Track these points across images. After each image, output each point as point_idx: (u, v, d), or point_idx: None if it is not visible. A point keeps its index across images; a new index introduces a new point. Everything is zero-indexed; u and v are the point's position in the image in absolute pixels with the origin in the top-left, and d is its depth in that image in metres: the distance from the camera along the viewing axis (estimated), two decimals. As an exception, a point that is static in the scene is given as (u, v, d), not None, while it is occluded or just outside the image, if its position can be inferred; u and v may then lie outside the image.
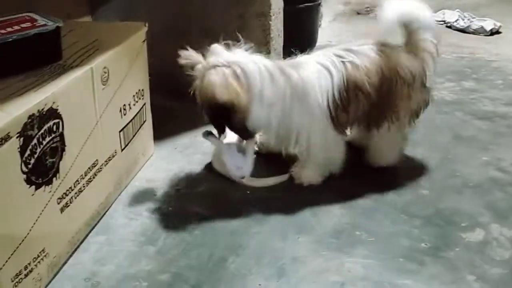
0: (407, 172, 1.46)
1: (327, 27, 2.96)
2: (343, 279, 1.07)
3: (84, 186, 1.12)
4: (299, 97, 1.26)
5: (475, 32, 2.83)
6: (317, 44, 2.36)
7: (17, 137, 0.87)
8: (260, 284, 1.05)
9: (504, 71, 2.26)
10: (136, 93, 1.34)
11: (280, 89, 1.25)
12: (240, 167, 1.37)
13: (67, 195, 1.05)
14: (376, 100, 1.30)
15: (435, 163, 1.50)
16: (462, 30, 2.88)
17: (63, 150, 1.02)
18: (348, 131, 1.39)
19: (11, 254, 0.90)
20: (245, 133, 1.32)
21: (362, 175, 1.44)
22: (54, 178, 1.00)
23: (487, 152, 1.56)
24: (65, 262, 1.10)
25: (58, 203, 1.03)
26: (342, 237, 1.19)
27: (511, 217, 1.26)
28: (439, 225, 1.23)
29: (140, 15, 1.78)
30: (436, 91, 1.99)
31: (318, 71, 1.28)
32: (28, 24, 1.08)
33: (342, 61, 1.29)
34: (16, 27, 1.06)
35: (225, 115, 1.22)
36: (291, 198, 1.34)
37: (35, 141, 0.93)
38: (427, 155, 1.55)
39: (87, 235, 1.18)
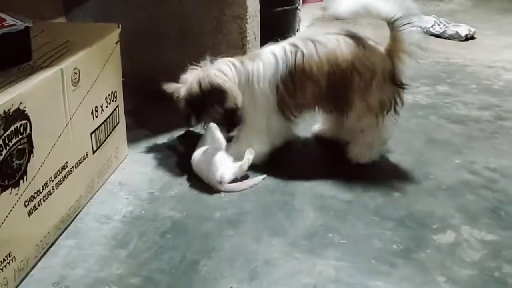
0: (381, 175, 1.47)
1: (305, 32, 2.97)
2: (315, 281, 1.07)
3: (53, 189, 1.10)
4: (249, 85, 1.41)
5: (451, 37, 2.88)
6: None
7: (-19, 138, 0.86)
8: (232, 287, 1.05)
9: (478, 76, 2.29)
10: (109, 94, 1.33)
11: (240, 78, 1.41)
12: (222, 172, 1.36)
13: (35, 198, 1.03)
14: (328, 89, 1.38)
15: (409, 166, 1.52)
16: (438, 35, 2.93)
17: (30, 152, 1.00)
18: (298, 116, 1.48)
19: (-25, 258, 0.88)
20: (234, 119, 1.44)
21: (336, 177, 1.44)
22: (21, 181, 0.98)
23: (460, 155, 1.58)
24: (34, 266, 1.08)
25: (26, 206, 1.01)
26: (315, 240, 1.19)
27: (482, 219, 1.28)
28: (411, 227, 1.24)
29: (115, 16, 1.78)
30: (411, 95, 2.03)
31: (267, 61, 1.41)
32: (-4, 24, 1.06)
33: (296, 51, 1.38)
34: (-17, 27, 1.04)
35: (222, 100, 1.39)
36: (265, 201, 1.34)
37: (0, 142, 0.91)
38: (401, 158, 1.56)
39: (56, 239, 1.16)
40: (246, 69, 1.42)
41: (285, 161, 1.54)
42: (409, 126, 1.78)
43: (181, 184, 1.40)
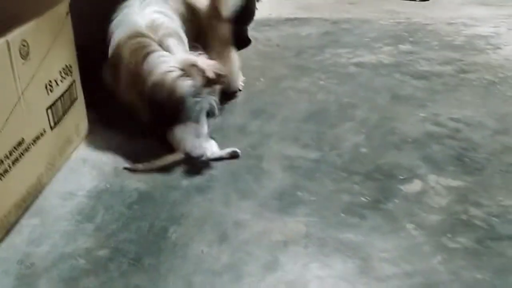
0: (346, 132, 1.47)
1: (267, 1, 2.94)
2: (286, 238, 1.06)
3: (9, 166, 1.06)
4: None
5: (412, -2, 2.89)
6: (257, 17, 2.33)
7: None
8: (202, 251, 1.03)
9: (439, 33, 2.31)
10: (63, 68, 1.28)
11: None
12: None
13: (-10, 175, 0.99)
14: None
15: (374, 122, 1.52)
16: (399, -3, 2.93)
17: (-19, 127, 0.96)
18: None
19: None
20: None
21: (301, 138, 1.44)
22: (-27, 158, 0.94)
23: (424, 109, 1.60)
24: (-3, 247, 1.05)
25: (-19, 184, 0.97)
26: (284, 199, 1.19)
27: (447, 167, 1.29)
28: (378, 179, 1.25)
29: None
30: (374, 55, 2.03)
31: None
32: None
33: None
34: None
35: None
36: (233, 166, 1.32)
37: None
38: (366, 116, 1.56)
39: (19, 218, 1.13)
40: None
41: (252, 129, 1.52)
42: (373, 84, 1.78)
43: (147, 156, 1.37)
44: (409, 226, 1.09)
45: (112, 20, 1.43)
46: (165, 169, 1.31)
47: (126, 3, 1.45)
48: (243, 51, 2.16)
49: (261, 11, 2.61)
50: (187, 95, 1.31)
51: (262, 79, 1.86)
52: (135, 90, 1.36)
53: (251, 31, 2.32)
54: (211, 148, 1.35)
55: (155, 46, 1.36)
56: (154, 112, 1.35)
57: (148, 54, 1.34)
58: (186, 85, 1.30)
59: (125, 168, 1.30)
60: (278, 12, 2.73)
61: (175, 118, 1.34)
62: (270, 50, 2.19)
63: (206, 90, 1.34)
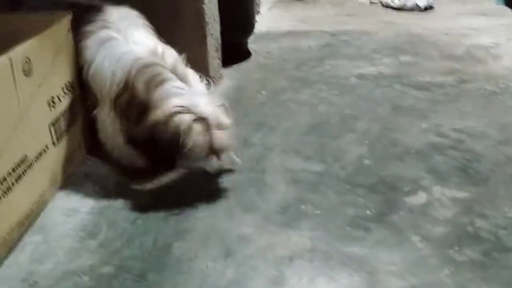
0: (349, 144, 1.47)
1: (266, 14, 2.96)
2: (291, 252, 1.05)
3: (13, 184, 1.05)
4: None
5: (410, 9, 2.90)
6: (257, 30, 2.35)
7: None
8: (207, 266, 1.03)
9: (439, 44, 2.32)
10: (65, 85, 1.29)
11: None
12: None
13: (-7, 193, 0.99)
14: None
15: (376, 134, 1.52)
16: (398, 9, 2.95)
17: (-16, 145, 0.96)
18: None
19: None
20: None
21: (304, 150, 1.43)
22: (-23, 175, 0.94)
23: (426, 120, 1.59)
24: (0, 265, 1.04)
25: (-16, 202, 0.96)
26: (288, 212, 1.18)
27: (451, 178, 1.29)
28: (382, 192, 1.24)
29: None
30: (374, 67, 2.04)
31: None
32: None
33: None
34: None
35: None
36: (236, 180, 1.32)
37: (-51, 135, 0.86)
38: (368, 127, 1.56)
39: (22, 236, 1.12)
40: None
41: (254, 141, 1.52)
42: (374, 96, 1.78)
43: (150, 172, 1.37)
44: (415, 238, 1.08)
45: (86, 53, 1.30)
46: (169, 184, 1.31)
47: (94, 32, 1.31)
48: (243, 64, 2.17)
49: (261, 24, 2.63)
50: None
51: (263, 92, 1.86)
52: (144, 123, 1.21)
53: (251, 44, 2.33)
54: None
55: (169, 74, 1.23)
56: (153, 151, 1.22)
57: (161, 83, 1.22)
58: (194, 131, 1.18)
59: (134, 188, 1.28)
60: (278, 25, 2.74)
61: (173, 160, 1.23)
62: (270, 62, 2.19)
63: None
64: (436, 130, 1.52)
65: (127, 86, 1.23)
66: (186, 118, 1.17)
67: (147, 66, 1.23)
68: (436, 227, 1.11)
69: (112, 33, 1.31)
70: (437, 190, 1.24)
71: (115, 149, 1.36)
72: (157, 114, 1.18)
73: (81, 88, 1.37)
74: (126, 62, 1.25)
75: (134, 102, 1.22)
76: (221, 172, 1.33)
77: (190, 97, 1.21)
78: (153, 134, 1.18)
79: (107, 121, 1.32)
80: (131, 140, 1.26)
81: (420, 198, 1.22)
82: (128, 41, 1.30)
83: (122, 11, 1.40)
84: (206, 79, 1.32)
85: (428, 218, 1.14)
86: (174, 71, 1.25)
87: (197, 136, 1.17)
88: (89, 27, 1.32)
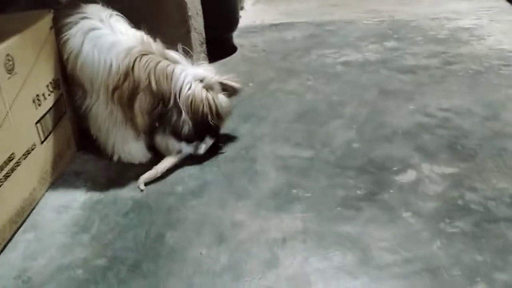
0: (337, 130, 1.47)
1: (250, 9, 2.96)
2: (284, 235, 1.06)
3: (1, 181, 1.05)
4: None
5: (393, -3, 2.91)
6: (241, 24, 2.35)
7: None
8: (201, 253, 1.03)
9: (423, 28, 2.33)
10: (50, 83, 1.28)
11: None
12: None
13: (-18, 191, 0.98)
14: None
15: (364, 117, 1.53)
16: (381, -3, 2.96)
17: (-31, 143, 0.95)
18: None
19: None
20: None
21: (293, 138, 1.44)
22: (-36, 174, 0.93)
23: (413, 101, 1.60)
24: (-8, 264, 1.03)
25: (-27, 200, 0.96)
26: (279, 197, 1.18)
27: (440, 155, 1.30)
28: (372, 172, 1.25)
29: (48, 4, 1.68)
30: (360, 53, 2.05)
31: None
32: None
33: None
34: None
35: None
36: (227, 169, 1.32)
37: None
38: (356, 112, 1.57)
39: (13, 234, 1.11)
40: None
41: (243, 132, 1.52)
42: (361, 81, 1.79)
43: (139, 165, 1.37)
44: (406, 214, 1.09)
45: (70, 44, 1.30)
46: (159, 176, 1.31)
47: (76, 23, 1.32)
48: (230, 58, 2.17)
49: (245, 18, 2.63)
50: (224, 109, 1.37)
51: (250, 84, 1.86)
52: (157, 110, 1.29)
53: (236, 38, 2.34)
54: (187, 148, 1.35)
55: (165, 60, 1.30)
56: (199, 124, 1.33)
57: (167, 70, 1.28)
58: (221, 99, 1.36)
59: (142, 187, 1.27)
60: (262, 19, 2.75)
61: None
62: (257, 55, 2.19)
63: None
64: (423, 111, 1.53)
65: (127, 75, 1.25)
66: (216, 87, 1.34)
67: (143, 54, 1.28)
68: (427, 203, 1.12)
69: (95, 22, 1.31)
70: (426, 167, 1.25)
71: (115, 144, 1.36)
72: (191, 94, 1.30)
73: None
74: (119, 51, 1.26)
75: (143, 93, 1.26)
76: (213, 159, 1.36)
77: (192, 72, 1.32)
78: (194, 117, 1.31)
79: (103, 115, 1.32)
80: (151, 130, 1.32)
81: (409, 175, 1.22)
82: (114, 31, 1.31)
83: (97, 6, 1.40)
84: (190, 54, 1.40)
85: (418, 194, 1.15)
86: (164, 56, 1.31)
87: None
88: (69, 19, 1.32)
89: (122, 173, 1.33)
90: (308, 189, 1.20)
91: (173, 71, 1.29)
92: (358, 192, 1.18)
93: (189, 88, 1.30)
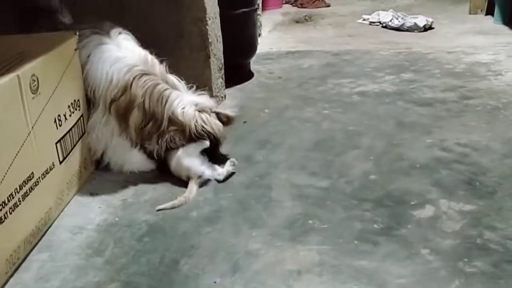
0: (354, 160, 1.47)
1: (267, 36, 3.00)
2: (299, 267, 1.04)
3: (20, 201, 1.05)
4: None
5: (409, 29, 2.94)
6: (258, 51, 2.37)
7: None
8: (215, 282, 1.02)
9: (440, 62, 2.34)
10: (72, 103, 1.29)
11: None
12: (204, 168, 1.37)
13: (0, 210, 0.98)
14: None
15: (381, 149, 1.52)
16: (397, 29, 2.98)
17: (-9, 161, 0.96)
18: None
19: None
20: None
21: (309, 166, 1.43)
22: (-16, 192, 0.94)
23: (431, 135, 1.60)
24: (5, 283, 1.03)
25: (-9, 219, 0.96)
26: (295, 227, 1.17)
27: (458, 191, 1.28)
28: (389, 206, 1.24)
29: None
30: (377, 84, 2.05)
31: None
32: None
33: None
34: None
35: None
36: (241, 196, 1.31)
37: (-43, 151, 0.86)
38: (373, 143, 1.56)
39: (28, 254, 1.11)
40: None
41: (259, 158, 1.52)
42: (377, 112, 1.79)
43: (154, 188, 1.37)
44: (424, 251, 1.07)
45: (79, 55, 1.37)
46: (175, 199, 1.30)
47: (86, 36, 1.40)
48: (246, 84, 2.19)
49: (262, 45, 2.66)
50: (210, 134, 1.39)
51: (266, 110, 1.87)
52: (151, 128, 1.38)
53: (253, 65, 2.36)
54: (217, 171, 1.38)
55: (164, 84, 1.39)
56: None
57: (163, 93, 1.37)
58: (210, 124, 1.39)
59: (160, 209, 1.27)
60: (279, 46, 2.77)
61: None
62: (273, 82, 2.21)
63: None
64: (441, 145, 1.53)
65: (125, 90, 1.35)
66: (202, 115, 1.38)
67: (143, 74, 1.37)
68: (445, 240, 1.10)
69: (104, 38, 1.41)
70: (444, 203, 1.24)
71: (112, 152, 1.43)
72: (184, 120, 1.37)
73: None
74: (121, 66, 1.36)
75: (137, 108, 1.35)
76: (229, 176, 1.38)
77: (188, 99, 1.39)
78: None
79: (100, 124, 1.39)
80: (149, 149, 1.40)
81: (427, 211, 1.21)
82: (120, 47, 1.40)
83: (108, 23, 1.47)
84: (192, 84, 1.48)
85: (436, 231, 1.14)
86: (164, 79, 1.40)
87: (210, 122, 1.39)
88: (80, 32, 1.38)
89: (138, 196, 1.33)
90: (324, 220, 1.19)
91: (169, 95, 1.38)
92: (375, 226, 1.16)
93: (182, 109, 1.37)
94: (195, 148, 1.38)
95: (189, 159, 1.36)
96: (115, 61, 1.36)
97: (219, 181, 1.37)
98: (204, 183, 1.36)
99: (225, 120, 1.43)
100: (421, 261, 1.04)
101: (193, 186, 1.33)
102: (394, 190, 1.30)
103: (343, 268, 1.03)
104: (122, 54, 1.38)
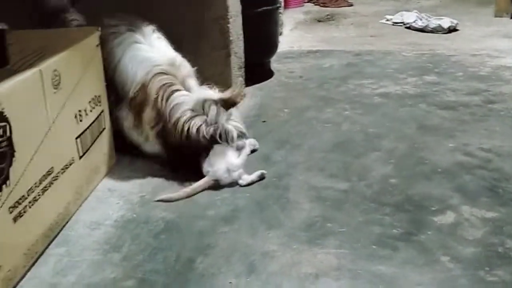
0: (374, 163, 1.45)
1: (289, 35, 2.98)
2: (316, 270, 1.03)
3: (39, 195, 1.06)
4: None
5: (433, 30, 2.89)
6: (279, 50, 2.35)
7: (-42, 140, 0.82)
8: (230, 282, 1.01)
9: (463, 64, 2.30)
10: (92, 99, 1.30)
11: None
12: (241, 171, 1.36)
13: (20, 203, 0.99)
14: None
15: (402, 152, 1.50)
16: (421, 30, 2.94)
17: (12, 155, 0.96)
18: None
19: (-41, 267, 0.84)
20: None
21: (328, 168, 1.42)
22: (4, 185, 0.94)
23: (453, 139, 1.57)
24: (23, 277, 1.03)
25: (10, 212, 0.97)
26: (312, 230, 1.16)
27: (480, 198, 1.25)
28: (409, 211, 1.22)
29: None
30: (399, 86, 2.02)
31: None
32: (-31, 30, 1.03)
33: None
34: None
35: None
36: (259, 196, 1.30)
37: (-21, 144, 0.87)
38: (393, 146, 1.54)
39: (45, 248, 1.12)
40: None
41: (277, 159, 1.51)
42: (399, 115, 1.77)
43: (172, 186, 1.37)
44: (444, 258, 1.05)
45: (114, 52, 1.43)
46: (191, 198, 1.30)
47: (122, 34, 1.45)
48: (266, 82, 2.17)
49: (283, 44, 2.64)
50: (199, 134, 1.35)
51: (285, 110, 1.86)
52: (159, 126, 1.41)
53: (273, 63, 2.34)
54: (242, 176, 1.35)
55: (178, 85, 1.41)
56: (172, 151, 1.41)
57: (172, 92, 1.39)
58: (195, 124, 1.35)
59: (159, 200, 1.28)
60: (300, 45, 2.75)
61: (191, 156, 1.38)
62: (293, 81, 2.19)
63: (224, 116, 1.38)
64: (464, 150, 1.50)
65: (142, 88, 1.40)
66: (188, 114, 1.36)
67: (161, 73, 1.39)
68: (466, 248, 1.08)
69: (138, 36, 1.45)
70: (465, 209, 1.21)
71: (135, 141, 1.48)
72: (171, 120, 1.37)
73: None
74: (146, 66, 1.40)
75: (150, 106, 1.38)
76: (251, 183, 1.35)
77: (191, 98, 1.39)
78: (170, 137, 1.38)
79: (123, 115, 1.45)
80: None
81: (448, 217, 1.19)
82: (152, 47, 1.44)
83: (142, 21, 1.50)
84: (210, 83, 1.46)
85: (457, 238, 1.11)
86: (183, 83, 1.42)
87: (205, 111, 1.37)
88: (116, 29, 1.44)
89: (155, 193, 1.33)
90: (342, 223, 1.18)
91: (172, 94, 1.39)
92: (395, 231, 1.14)
93: (180, 114, 1.37)
94: (223, 150, 1.36)
95: (214, 159, 1.35)
96: (143, 60, 1.41)
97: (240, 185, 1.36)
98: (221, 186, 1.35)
99: (232, 102, 1.39)
100: (441, 269, 1.02)
101: (200, 184, 1.32)
102: (414, 194, 1.28)
103: (361, 272, 1.02)
104: (152, 54, 1.43)
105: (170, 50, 1.47)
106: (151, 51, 1.43)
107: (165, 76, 1.40)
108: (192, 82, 1.44)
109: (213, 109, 1.36)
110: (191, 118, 1.36)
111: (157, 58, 1.42)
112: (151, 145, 1.45)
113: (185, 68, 1.45)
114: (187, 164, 1.39)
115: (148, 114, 1.40)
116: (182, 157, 1.39)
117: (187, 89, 1.42)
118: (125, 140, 1.49)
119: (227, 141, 1.37)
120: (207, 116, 1.36)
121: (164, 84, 1.39)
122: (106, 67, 1.40)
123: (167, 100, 1.38)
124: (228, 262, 1.06)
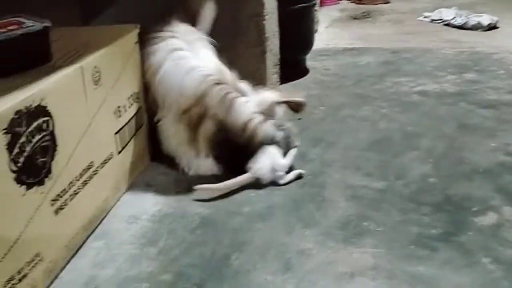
0: (412, 162, 1.42)
1: (324, 32, 2.95)
2: (352, 269, 1.02)
3: (79, 188, 1.08)
4: None
5: (473, 28, 2.82)
6: (314, 47, 2.34)
7: (4, 133, 0.85)
8: (266, 279, 1.01)
9: (505, 62, 2.23)
10: (131, 95, 1.32)
11: None
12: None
13: (61, 196, 1.02)
14: None
15: (441, 152, 1.46)
16: (460, 27, 2.87)
17: (54, 149, 0.99)
18: None
19: (2, 258, 0.86)
20: None
21: (364, 167, 1.40)
22: (46, 179, 0.97)
23: (494, 139, 1.52)
24: (63, 268, 1.06)
25: (52, 205, 0.99)
26: (349, 229, 1.15)
27: (523, 199, 1.22)
28: (449, 211, 1.19)
29: (129, 18, 1.74)
30: (437, 84, 1.98)
31: None
32: (15, 27, 1.06)
33: None
34: (2, 30, 1.04)
35: None
36: (295, 194, 1.30)
37: (23, 138, 0.90)
38: (433, 144, 1.51)
39: (85, 241, 1.14)
40: None
41: (312, 157, 1.49)
42: (438, 113, 1.73)
43: (208, 182, 1.37)
44: (485, 260, 1.02)
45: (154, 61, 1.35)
46: (227, 194, 1.31)
47: (163, 40, 1.37)
48: (302, 80, 2.16)
49: (318, 41, 2.61)
50: (269, 137, 1.34)
51: (321, 107, 1.85)
52: (218, 138, 1.34)
53: (309, 61, 2.33)
54: (283, 175, 1.35)
55: (235, 92, 1.34)
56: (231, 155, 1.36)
57: (233, 100, 1.32)
58: (267, 128, 1.34)
59: (198, 188, 1.29)
60: (335, 42, 2.73)
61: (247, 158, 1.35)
62: (329, 79, 2.17)
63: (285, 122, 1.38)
64: (506, 149, 1.45)
65: (199, 100, 1.31)
66: (259, 117, 1.33)
67: (217, 83, 1.32)
68: (508, 250, 1.05)
69: (180, 43, 1.36)
70: (508, 210, 1.18)
71: (182, 158, 1.40)
72: (238, 126, 1.32)
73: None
74: (196, 76, 1.31)
75: (211, 119, 1.31)
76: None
77: (255, 102, 1.35)
78: (237, 140, 1.32)
79: (171, 132, 1.38)
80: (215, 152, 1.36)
81: (490, 218, 1.15)
82: (197, 55, 1.36)
83: (187, 27, 1.44)
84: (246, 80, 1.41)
85: (499, 239, 1.08)
86: (235, 87, 1.35)
87: (272, 115, 1.35)
88: (157, 34, 1.37)
89: (191, 189, 1.34)
90: (379, 223, 1.16)
91: (237, 104, 1.32)
92: (433, 231, 1.12)
93: (247, 117, 1.33)
94: (270, 149, 1.36)
95: (259, 157, 1.34)
96: (190, 69, 1.32)
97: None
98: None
99: (296, 107, 1.38)
100: (481, 270, 0.99)
101: (241, 180, 1.32)
102: (454, 195, 1.25)
103: (398, 273, 1.00)
104: (198, 63, 1.33)
105: (214, 58, 1.40)
106: (196, 58, 1.35)
107: (221, 86, 1.32)
108: (244, 85, 1.38)
109: (279, 112, 1.36)
110: (261, 122, 1.33)
111: (205, 67, 1.33)
112: (204, 160, 1.38)
113: (229, 73, 1.37)
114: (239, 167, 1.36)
115: (207, 128, 1.32)
116: (240, 162, 1.35)
117: (242, 94, 1.35)
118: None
119: (289, 144, 1.40)
120: (273, 118, 1.35)
121: (224, 95, 1.31)
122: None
123: (230, 109, 1.32)
124: (263, 259, 1.06)
